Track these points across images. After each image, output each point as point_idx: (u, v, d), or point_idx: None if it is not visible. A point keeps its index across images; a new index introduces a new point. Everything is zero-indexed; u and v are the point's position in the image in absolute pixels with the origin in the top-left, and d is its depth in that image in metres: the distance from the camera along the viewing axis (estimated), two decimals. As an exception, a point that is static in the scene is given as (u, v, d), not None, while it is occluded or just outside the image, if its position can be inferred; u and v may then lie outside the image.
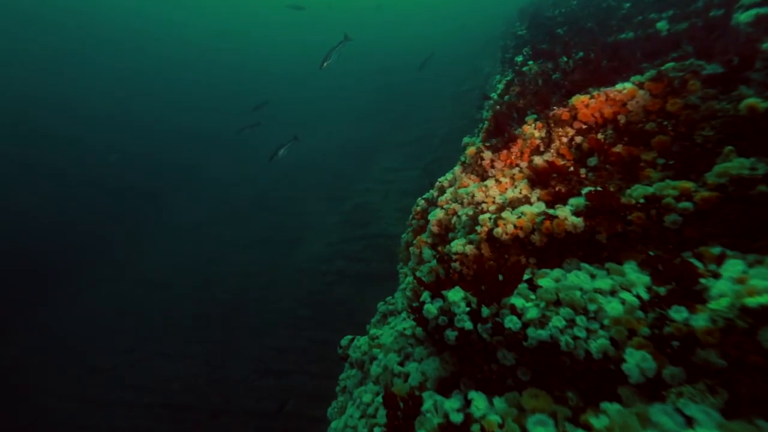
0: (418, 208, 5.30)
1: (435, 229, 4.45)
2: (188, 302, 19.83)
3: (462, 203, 4.18)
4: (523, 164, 3.99)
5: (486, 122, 5.42)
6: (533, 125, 4.05)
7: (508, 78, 5.76)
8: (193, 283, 20.90)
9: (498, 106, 5.11)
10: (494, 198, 3.83)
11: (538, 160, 3.84)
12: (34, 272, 24.23)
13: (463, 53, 26.96)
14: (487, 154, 4.34)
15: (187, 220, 26.98)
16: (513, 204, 3.62)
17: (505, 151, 4.19)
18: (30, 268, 24.55)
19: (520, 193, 3.61)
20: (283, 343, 17.69)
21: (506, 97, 5.10)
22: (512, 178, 3.90)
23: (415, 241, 4.92)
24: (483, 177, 4.41)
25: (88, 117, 34.67)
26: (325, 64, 9.31)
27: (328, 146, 26.41)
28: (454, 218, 4.15)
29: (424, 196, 5.35)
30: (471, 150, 4.55)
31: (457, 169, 4.73)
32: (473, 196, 4.02)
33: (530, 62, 5.60)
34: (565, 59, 5.01)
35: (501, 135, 4.32)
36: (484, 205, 3.81)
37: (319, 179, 24.39)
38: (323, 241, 20.00)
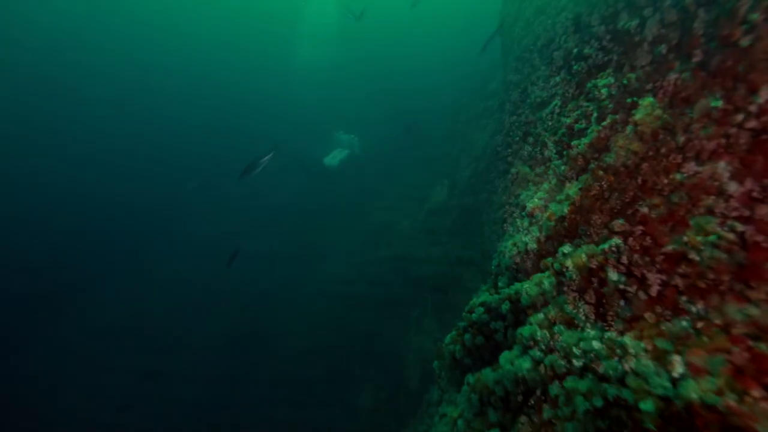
0: (474, 318, 3.46)
1: (515, 388, 2.62)
2: (197, 320, 18.42)
3: (569, 361, 2.33)
4: (698, 309, 2.10)
5: (584, 190, 3.49)
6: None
7: (602, 115, 3.79)
8: (203, 299, 19.45)
9: (610, 175, 3.18)
10: (647, 381, 1.96)
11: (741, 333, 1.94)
12: (57, 276, 23.22)
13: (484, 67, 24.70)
14: (615, 278, 2.45)
15: (201, 234, 25.52)
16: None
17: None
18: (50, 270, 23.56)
19: (718, 388, 1.74)
20: (298, 370, 16.14)
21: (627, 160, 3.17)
22: (681, 341, 2.02)
23: (472, 379, 3.10)
24: (601, 312, 2.53)
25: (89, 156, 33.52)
26: (244, 176, 8.15)
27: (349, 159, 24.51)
28: (556, 389, 2.31)
29: (483, 299, 3.50)
30: (578, 261, 2.67)
31: (548, 283, 2.86)
32: (596, 359, 2.17)
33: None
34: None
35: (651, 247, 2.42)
36: (626, 394, 1.96)
37: (339, 193, 22.60)
38: (344, 261, 18.28)
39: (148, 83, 39.57)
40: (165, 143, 38.78)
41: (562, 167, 3.67)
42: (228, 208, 32.05)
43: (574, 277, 3.00)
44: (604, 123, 3.15)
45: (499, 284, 3.94)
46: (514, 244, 3.99)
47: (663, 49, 2.82)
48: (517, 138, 4.52)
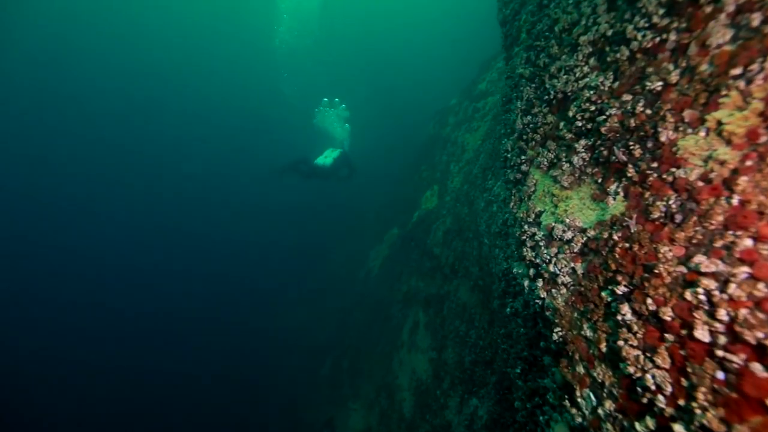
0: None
1: None
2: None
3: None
4: None
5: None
6: None
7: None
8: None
9: (682, 192, 2.44)
10: None
11: None
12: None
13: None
14: (706, 339, 1.68)
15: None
16: None
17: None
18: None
19: None
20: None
21: (709, 172, 2.42)
22: None
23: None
24: (685, 385, 1.75)
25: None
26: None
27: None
28: None
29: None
30: (641, 306, 1.88)
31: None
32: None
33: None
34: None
35: None
36: None
37: (331, 194, 21.73)
38: (334, 271, 17.45)
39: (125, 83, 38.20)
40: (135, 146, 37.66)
41: (600, 179, 2.89)
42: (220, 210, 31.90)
43: (635, 329, 2.22)
44: (665, 122, 2.38)
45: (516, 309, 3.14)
46: (539, 274, 3.20)
47: (754, 20, 2.05)
48: (533, 142, 3.74)
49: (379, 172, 20.77)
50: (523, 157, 3.84)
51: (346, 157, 11.98)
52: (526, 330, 4.14)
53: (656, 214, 2.26)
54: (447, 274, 9.53)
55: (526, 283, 3.40)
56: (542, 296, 3.11)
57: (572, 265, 2.85)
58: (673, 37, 2.47)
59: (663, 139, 2.36)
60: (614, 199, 2.66)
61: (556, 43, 3.59)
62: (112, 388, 19.28)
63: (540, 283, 3.14)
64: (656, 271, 2.14)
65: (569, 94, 3.33)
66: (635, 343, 2.22)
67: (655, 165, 2.38)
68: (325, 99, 13.66)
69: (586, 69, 3.20)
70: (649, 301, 2.16)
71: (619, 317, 2.31)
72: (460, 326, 8.36)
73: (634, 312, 2.25)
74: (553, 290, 2.99)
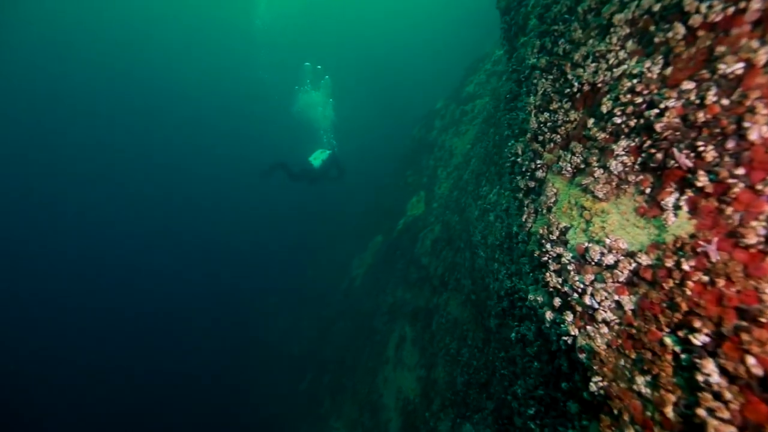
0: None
1: None
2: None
3: None
4: None
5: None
6: None
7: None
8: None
9: None
10: None
11: None
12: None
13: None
14: None
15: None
16: None
17: None
18: None
19: None
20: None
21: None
22: None
23: None
24: None
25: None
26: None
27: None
28: None
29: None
30: (735, 368, 1.25)
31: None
32: None
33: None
34: None
35: None
36: None
37: (320, 194, 20.97)
38: (316, 279, 16.59)
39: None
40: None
41: (648, 189, 2.28)
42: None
43: (727, 396, 1.60)
44: (753, 115, 1.78)
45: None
46: (567, 305, 2.57)
47: None
48: (552, 144, 3.14)
49: (363, 177, 20.15)
50: (538, 162, 3.23)
51: (335, 158, 11.46)
52: (540, 365, 3.52)
53: (752, 239, 1.65)
54: (436, 286, 8.90)
55: (548, 314, 2.77)
56: (573, 333, 2.48)
57: (616, 297, 2.24)
58: (756, 4, 1.88)
59: (753, 137, 1.76)
60: (675, 215, 2.05)
61: (579, 26, 3.00)
62: (112, 388, 19.14)
63: (569, 316, 2.51)
64: (761, 319, 1.53)
65: (600, 85, 2.73)
66: (727, 416, 1.59)
67: (740, 171, 1.78)
68: (307, 63, 12.90)
69: (622, 54, 2.61)
70: (750, 360, 1.54)
71: (700, 377, 1.69)
72: (450, 343, 7.72)
73: (724, 372, 1.63)
74: (589, 328, 2.37)
